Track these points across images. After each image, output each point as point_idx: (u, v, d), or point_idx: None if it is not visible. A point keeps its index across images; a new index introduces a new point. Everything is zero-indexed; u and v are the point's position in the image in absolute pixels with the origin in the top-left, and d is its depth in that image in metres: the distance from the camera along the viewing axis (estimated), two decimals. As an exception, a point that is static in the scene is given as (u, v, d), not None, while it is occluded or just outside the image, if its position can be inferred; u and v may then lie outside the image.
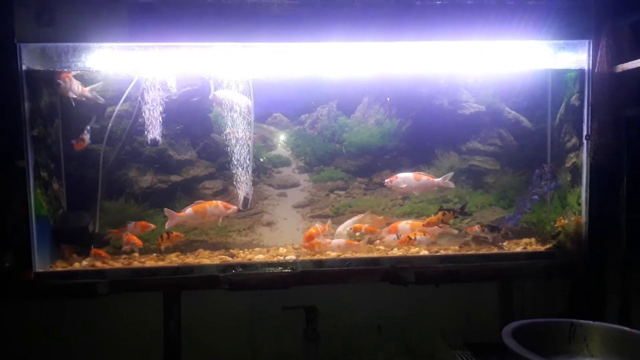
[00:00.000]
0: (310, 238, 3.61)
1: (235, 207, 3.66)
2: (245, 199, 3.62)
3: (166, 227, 3.57)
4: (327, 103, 4.03)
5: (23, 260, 3.13)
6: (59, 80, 3.40)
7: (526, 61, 3.65)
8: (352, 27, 3.21)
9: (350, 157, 4.06)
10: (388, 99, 4.01)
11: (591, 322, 2.91)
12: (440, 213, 3.58)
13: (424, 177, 3.71)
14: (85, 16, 3.08)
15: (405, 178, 3.71)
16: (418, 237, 3.61)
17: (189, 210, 3.56)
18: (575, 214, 3.58)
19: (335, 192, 4.05)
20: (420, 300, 3.79)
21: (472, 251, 3.62)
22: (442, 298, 3.78)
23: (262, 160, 3.95)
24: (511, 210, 3.86)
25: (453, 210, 3.63)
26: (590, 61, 3.39)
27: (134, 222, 3.59)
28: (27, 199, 3.15)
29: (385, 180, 3.76)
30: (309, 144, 4.03)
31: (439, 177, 3.73)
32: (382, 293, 3.72)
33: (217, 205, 3.61)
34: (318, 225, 3.70)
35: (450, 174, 3.70)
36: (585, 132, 3.44)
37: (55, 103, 3.57)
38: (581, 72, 3.49)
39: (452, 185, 3.72)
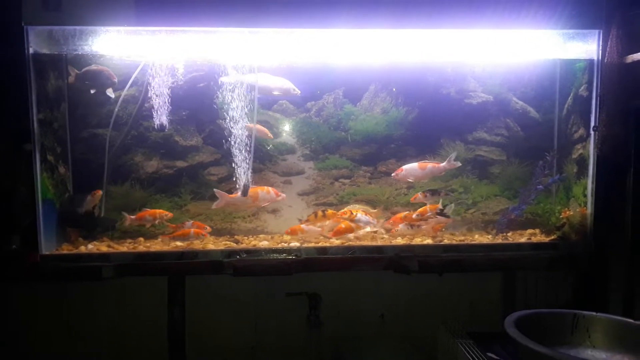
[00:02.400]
0: (339, 233, 3.58)
1: (284, 196, 3.70)
2: (245, 186, 3.61)
3: (214, 207, 3.61)
4: (334, 91, 4.01)
5: (29, 243, 3.16)
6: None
7: (534, 51, 3.61)
8: (360, 13, 3.18)
9: (355, 146, 4.05)
10: (394, 89, 3.99)
11: (594, 313, 2.90)
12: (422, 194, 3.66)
13: (429, 165, 3.70)
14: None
15: (410, 169, 3.70)
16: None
17: (239, 193, 3.57)
18: (580, 205, 3.56)
19: (340, 180, 4.05)
20: (424, 289, 3.80)
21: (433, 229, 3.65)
22: (445, 287, 3.80)
23: (268, 148, 3.94)
24: (516, 201, 3.84)
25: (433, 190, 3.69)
26: (600, 51, 3.35)
27: (191, 221, 3.62)
28: (34, 182, 3.17)
29: (392, 174, 3.76)
30: (315, 132, 4.02)
31: (443, 165, 3.72)
32: (385, 281, 3.73)
33: (268, 191, 3.64)
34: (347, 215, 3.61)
35: (454, 154, 3.67)
36: (593, 123, 3.42)
37: (62, 87, 3.57)
38: (590, 62, 3.45)
39: (458, 163, 3.69)
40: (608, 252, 3.44)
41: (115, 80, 3.50)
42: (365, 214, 3.64)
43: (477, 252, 3.43)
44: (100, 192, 3.62)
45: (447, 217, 3.65)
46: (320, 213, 3.63)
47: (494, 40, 3.54)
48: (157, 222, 3.63)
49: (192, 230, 3.55)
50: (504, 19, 3.25)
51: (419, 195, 3.71)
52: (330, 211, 3.65)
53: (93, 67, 3.48)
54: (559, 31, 3.43)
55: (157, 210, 3.62)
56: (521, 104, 4.02)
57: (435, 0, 3.25)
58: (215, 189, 3.62)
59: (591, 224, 3.45)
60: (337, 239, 3.57)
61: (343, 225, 3.58)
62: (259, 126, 3.76)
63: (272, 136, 3.87)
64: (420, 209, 3.63)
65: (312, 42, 3.43)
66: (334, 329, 3.78)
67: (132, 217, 3.59)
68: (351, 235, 3.58)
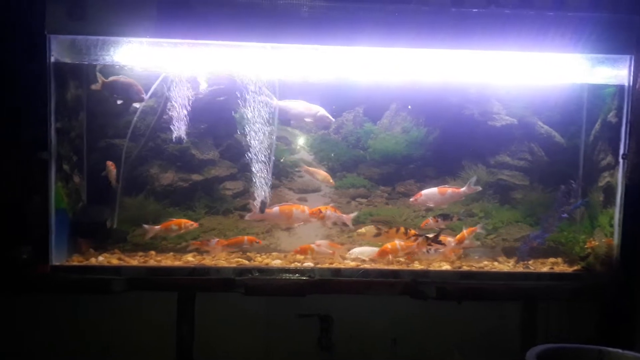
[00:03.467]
0: (384, 254, 3.49)
1: (349, 216, 3.64)
2: (263, 203, 3.55)
3: (246, 218, 3.59)
4: (354, 108, 3.97)
5: (41, 253, 3.12)
6: None
7: (561, 74, 3.53)
8: (383, 31, 3.14)
9: (374, 165, 3.98)
10: (409, 107, 3.94)
11: (620, 350, 2.78)
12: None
13: (449, 190, 3.60)
14: (115, 10, 3.07)
15: (429, 195, 3.59)
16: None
17: (275, 209, 3.53)
18: (606, 235, 3.43)
19: (357, 199, 3.97)
20: (438, 315, 3.66)
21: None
22: (460, 314, 3.64)
23: (282, 160, 3.88)
24: (538, 228, 3.72)
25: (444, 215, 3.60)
26: (632, 77, 3.25)
27: (217, 239, 3.57)
28: (48, 191, 3.14)
29: (410, 200, 3.66)
30: (333, 149, 3.96)
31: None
32: (399, 305, 3.60)
33: (303, 210, 3.58)
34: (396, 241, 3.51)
35: (474, 179, 3.58)
36: (622, 151, 3.30)
37: (81, 96, 3.56)
38: (620, 88, 3.35)
39: (478, 188, 3.59)
40: (635, 284, 3.30)
41: (144, 96, 3.49)
42: (334, 211, 3.57)
43: (497, 280, 3.31)
44: (110, 163, 3.59)
45: (442, 244, 3.51)
46: (402, 229, 3.52)
47: (520, 62, 3.46)
48: (182, 231, 3.57)
49: (246, 238, 3.51)
50: (531, 41, 3.19)
51: (430, 220, 3.59)
52: (412, 231, 3.54)
53: (121, 78, 3.45)
54: (587, 55, 3.33)
55: (183, 220, 3.56)
56: (546, 129, 3.92)
57: (461, 20, 3.19)
58: (250, 201, 3.58)
59: (618, 254, 3.32)
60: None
61: (390, 246, 3.47)
62: (320, 171, 3.73)
63: (333, 182, 3.81)
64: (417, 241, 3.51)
65: (334, 59, 3.37)
66: (345, 352, 3.66)
67: (156, 227, 3.53)
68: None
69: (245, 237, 3.50)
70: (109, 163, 3.59)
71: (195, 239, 3.66)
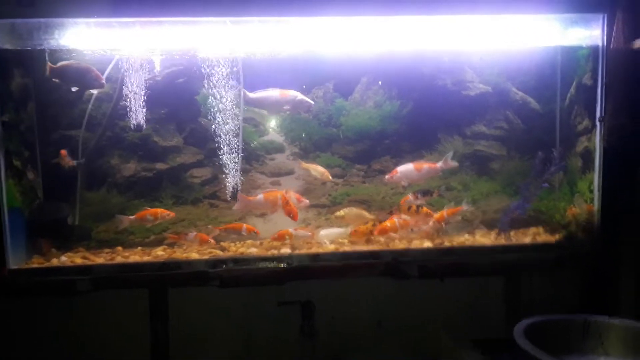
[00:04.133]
0: (384, 231, 3.36)
1: (308, 202, 3.49)
2: (234, 189, 3.39)
3: (234, 208, 3.44)
4: (323, 84, 3.81)
5: (-5, 257, 2.90)
6: None
7: (534, 38, 3.43)
8: (349, 0, 2.95)
9: (348, 143, 3.85)
10: (380, 82, 3.81)
11: (606, 317, 2.75)
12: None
13: (425, 166, 3.48)
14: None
15: (405, 171, 3.47)
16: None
17: (259, 196, 3.39)
18: (586, 201, 3.37)
19: (333, 180, 3.82)
20: (422, 294, 3.58)
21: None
22: (443, 291, 3.57)
23: (252, 145, 3.70)
24: (518, 198, 3.64)
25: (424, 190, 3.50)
26: (605, 37, 3.16)
27: (195, 232, 3.38)
28: (-1, 190, 2.91)
29: (386, 177, 3.53)
30: (304, 129, 3.81)
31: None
32: (382, 287, 3.50)
33: (290, 196, 3.42)
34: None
35: (450, 153, 3.47)
36: (598, 114, 3.23)
37: (29, 85, 3.29)
38: (594, 49, 3.25)
39: (455, 163, 3.48)
40: (618, 250, 3.26)
41: (103, 82, 3.25)
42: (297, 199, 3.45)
43: (479, 255, 3.23)
44: (64, 152, 3.40)
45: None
46: (414, 207, 3.38)
47: (492, 27, 3.34)
48: (157, 222, 3.39)
49: (245, 226, 3.36)
50: (502, 4, 3.06)
51: (410, 196, 3.47)
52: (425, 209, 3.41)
53: (75, 63, 3.18)
54: (560, 16, 3.23)
55: (159, 210, 3.38)
56: (521, 95, 3.83)
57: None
58: (239, 192, 3.44)
59: (599, 220, 3.27)
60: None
61: (389, 224, 3.34)
62: (317, 166, 3.59)
63: (331, 178, 3.65)
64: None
65: (300, 32, 3.20)
66: (329, 338, 3.55)
67: (131, 217, 3.35)
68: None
69: (244, 225, 3.36)
70: (62, 152, 3.39)
71: (164, 230, 3.47)
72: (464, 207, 3.46)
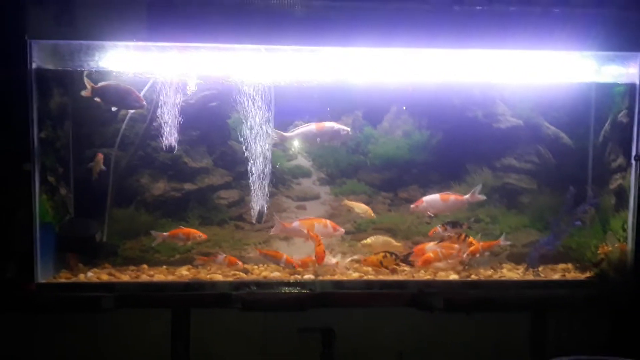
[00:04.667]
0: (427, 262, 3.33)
1: (343, 231, 3.47)
2: (260, 213, 3.40)
3: (271, 232, 3.44)
4: (353, 112, 3.82)
5: (25, 271, 2.96)
6: None
7: (568, 74, 3.39)
8: (383, 31, 2.98)
9: (374, 170, 3.84)
10: (404, 108, 3.81)
11: (636, 361, 2.64)
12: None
13: (452, 197, 3.42)
14: (103, 14, 2.92)
15: (431, 202, 3.42)
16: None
17: (295, 223, 3.39)
18: (619, 240, 3.29)
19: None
20: (445, 327, 3.52)
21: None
22: (468, 325, 3.50)
23: (277, 166, 3.72)
24: (547, 233, 3.57)
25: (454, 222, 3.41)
26: (643, 75, 3.11)
27: (224, 255, 3.35)
28: (32, 204, 2.97)
29: (411, 206, 3.48)
30: (332, 155, 3.81)
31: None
32: (404, 317, 3.45)
33: (325, 224, 3.41)
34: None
35: (479, 187, 3.41)
36: (634, 152, 3.16)
37: (67, 104, 3.39)
38: (631, 86, 3.21)
39: (482, 197, 3.43)
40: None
41: (144, 103, 3.29)
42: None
43: (507, 290, 3.16)
44: (101, 156, 3.45)
45: (410, 265, 3.34)
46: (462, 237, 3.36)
47: (525, 62, 3.32)
48: (189, 243, 3.42)
49: (285, 256, 3.32)
50: (537, 40, 3.05)
51: (438, 228, 3.41)
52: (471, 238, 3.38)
53: (116, 84, 3.23)
54: (595, 53, 3.20)
55: (192, 230, 3.39)
56: (553, 130, 3.78)
57: (465, 19, 3.04)
58: (275, 215, 3.45)
59: (632, 260, 3.18)
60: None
61: (432, 255, 3.31)
62: (360, 204, 3.59)
63: (374, 215, 3.63)
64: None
65: (332, 61, 3.23)
66: (348, 367, 3.51)
67: (164, 234, 3.37)
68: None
69: (285, 256, 3.31)
70: (99, 155, 3.44)
71: (189, 250, 3.49)
72: (502, 242, 3.41)
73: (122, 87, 3.24)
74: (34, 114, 2.95)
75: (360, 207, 3.60)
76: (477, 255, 3.35)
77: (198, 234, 3.37)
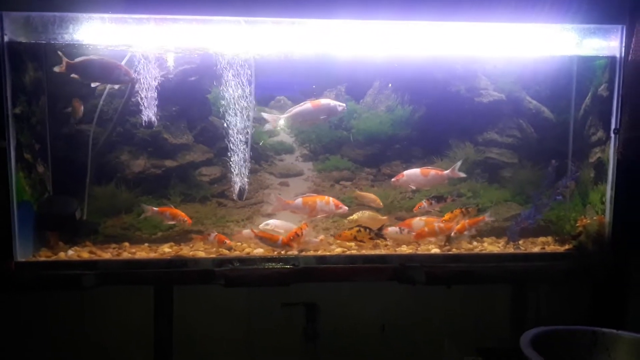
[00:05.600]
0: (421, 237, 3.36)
1: (346, 208, 3.43)
2: (241, 190, 3.38)
3: (270, 211, 3.39)
4: (335, 87, 3.77)
5: (3, 249, 2.91)
6: None
7: (550, 47, 3.37)
8: (365, 3, 2.94)
9: (358, 146, 3.81)
10: (390, 85, 3.77)
11: (614, 330, 2.71)
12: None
13: (432, 172, 3.46)
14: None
15: (412, 175, 3.45)
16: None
17: (298, 200, 3.35)
18: (598, 213, 3.34)
19: (341, 182, 3.81)
20: (427, 300, 3.58)
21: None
22: (449, 298, 3.56)
23: (260, 144, 3.69)
24: (528, 207, 3.60)
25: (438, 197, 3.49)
26: (623, 48, 3.12)
27: (215, 233, 3.32)
28: (8, 182, 2.91)
29: (392, 180, 3.51)
30: (314, 131, 3.78)
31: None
32: (387, 291, 3.50)
33: (328, 201, 3.37)
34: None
35: (459, 163, 3.45)
36: (613, 125, 3.18)
37: (41, 79, 3.29)
38: (612, 59, 3.21)
39: (462, 174, 3.48)
40: (628, 262, 3.22)
41: (134, 76, 3.21)
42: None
43: (488, 263, 3.20)
44: (78, 100, 3.37)
45: (383, 237, 3.36)
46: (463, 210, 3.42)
47: (507, 35, 3.30)
48: (174, 222, 3.39)
49: (281, 238, 3.25)
50: (519, 12, 3.03)
51: (423, 203, 3.45)
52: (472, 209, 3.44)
53: (98, 58, 3.12)
54: (577, 26, 3.20)
55: (180, 213, 3.36)
56: (535, 104, 3.78)
57: (445, -9, 3.00)
58: (277, 194, 3.41)
59: (610, 232, 3.23)
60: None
61: (427, 229, 3.33)
62: (369, 194, 3.59)
63: (382, 205, 3.61)
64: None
65: (313, 34, 3.17)
66: (332, 341, 3.55)
67: (154, 209, 3.35)
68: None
69: (281, 238, 3.25)
70: (75, 100, 3.36)
71: (171, 228, 3.47)
72: (487, 217, 3.44)
73: (108, 61, 3.15)
74: (7, 90, 2.87)
75: (370, 197, 3.61)
76: (465, 232, 3.38)
77: (184, 217, 3.34)
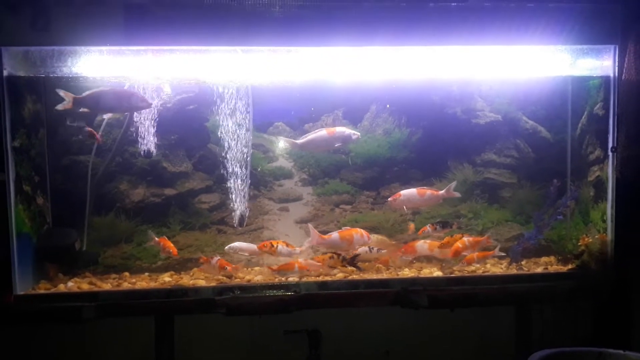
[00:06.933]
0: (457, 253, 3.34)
1: (372, 238, 3.43)
2: (241, 216, 3.37)
3: (305, 245, 3.33)
4: (333, 111, 3.81)
5: (2, 282, 2.89)
6: None
7: (544, 68, 3.41)
8: (360, 30, 2.98)
9: (356, 169, 3.84)
10: (388, 106, 3.81)
11: (621, 351, 2.68)
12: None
13: (428, 192, 3.47)
14: (79, 19, 2.85)
15: (408, 195, 3.46)
16: None
17: (335, 235, 3.31)
18: (599, 231, 3.33)
19: (341, 206, 3.82)
20: (431, 324, 3.53)
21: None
22: (453, 321, 3.51)
23: (258, 169, 3.70)
24: (529, 227, 3.60)
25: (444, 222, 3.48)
26: (617, 68, 3.15)
27: (218, 257, 3.28)
28: (8, 215, 2.90)
29: (389, 199, 3.51)
30: (313, 155, 3.79)
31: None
32: (390, 315, 3.46)
33: (362, 234, 3.35)
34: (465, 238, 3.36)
35: (453, 184, 3.46)
36: (610, 144, 3.20)
37: (40, 112, 3.31)
38: (606, 79, 3.24)
39: (457, 194, 3.48)
40: (631, 281, 3.20)
41: (151, 102, 3.20)
42: (286, 245, 3.35)
43: (491, 285, 3.18)
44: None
45: (358, 268, 3.32)
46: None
47: (502, 57, 3.35)
48: (161, 254, 3.40)
49: (297, 264, 3.23)
50: (513, 35, 3.07)
51: (428, 227, 3.44)
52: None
53: (109, 89, 3.12)
54: (571, 47, 3.23)
55: (170, 245, 3.36)
56: (531, 124, 3.81)
57: (440, 16, 3.04)
58: (309, 224, 3.37)
59: (612, 251, 3.23)
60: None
61: (460, 245, 3.33)
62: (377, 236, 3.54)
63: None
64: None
65: (310, 61, 3.21)
66: (336, 368, 3.50)
67: (156, 238, 3.37)
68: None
69: (296, 264, 3.24)
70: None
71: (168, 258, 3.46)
72: (495, 252, 3.42)
73: (122, 90, 3.17)
74: (6, 123, 2.88)
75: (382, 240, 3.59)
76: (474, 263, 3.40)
77: (172, 249, 3.35)
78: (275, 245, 3.29)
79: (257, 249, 3.34)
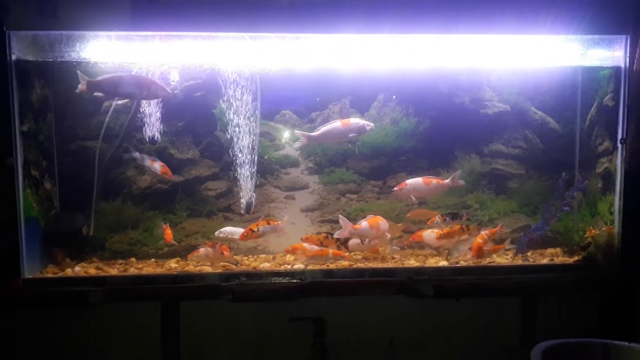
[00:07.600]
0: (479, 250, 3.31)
1: (401, 226, 3.48)
2: (248, 203, 3.38)
3: (336, 235, 3.29)
4: (340, 100, 3.79)
5: (10, 266, 2.91)
6: None
7: (554, 58, 3.38)
8: (368, 18, 2.96)
9: (363, 159, 3.82)
10: (394, 97, 3.78)
11: (627, 343, 2.67)
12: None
13: (434, 181, 3.46)
14: (87, 4, 2.86)
15: (414, 184, 3.45)
16: None
17: (364, 223, 3.30)
18: (606, 223, 3.31)
19: (347, 195, 3.81)
20: (436, 313, 3.54)
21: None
22: (458, 311, 3.52)
23: (265, 157, 3.69)
24: (536, 218, 3.59)
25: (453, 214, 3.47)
26: (628, 58, 3.12)
27: (220, 243, 3.28)
28: (16, 199, 2.93)
29: (395, 188, 3.50)
30: (320, 144, 3.77)
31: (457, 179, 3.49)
32: (395, 304, 3.47)
33: (385, 221, 3.36)
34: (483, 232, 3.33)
35: (458, 172, 3.46)
36: (620, 135, 3.17)
37: (48, 96, 3.32)
38: (616, 70, 3.21)
39: (462, 182, 3.48)
40: (637, 273, 3.18)
41: (170, 90, 3.20)
42: (267, 223, 3.34)
43: (496, 275, 3.17)
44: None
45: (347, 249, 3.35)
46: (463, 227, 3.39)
47: (511, 47, 3.31)
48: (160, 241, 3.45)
49: (331, 251, 3.24)
50: (523, 24, 3.03)
51: (437, 219, 3.44)
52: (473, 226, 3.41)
53: (125, 75, 3.12)
54: (581, 37, 3.19)
55: (167, 232, 3.41)
56: (540, 114, 3.78)
57: (449, 4, 3.01)
58: (340, 216, 3.32)
59: (619, 243, 3.20)
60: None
61: (480, 240, 3.29)
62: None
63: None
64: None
65: (318, 48, 3.19)
66: (340, 356, 3.52)
67: (165, 225, 3.44)
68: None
69: (331, 251, 3.24)
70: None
71: (179, 242, 3.48)
72: (507, 245, 3.40)
73: (144, 77, 3.16)
74: (15, 107, 2.89)
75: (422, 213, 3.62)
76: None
77: (172, 243, 3.42)
78: (256, 229, 3.27)
79: (240, 240, 3.33)
